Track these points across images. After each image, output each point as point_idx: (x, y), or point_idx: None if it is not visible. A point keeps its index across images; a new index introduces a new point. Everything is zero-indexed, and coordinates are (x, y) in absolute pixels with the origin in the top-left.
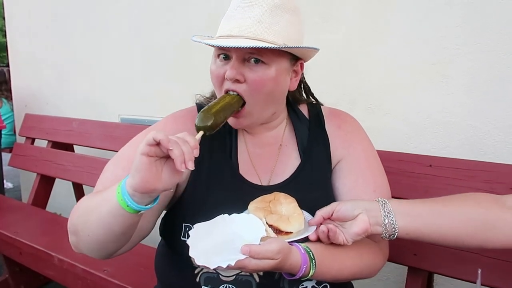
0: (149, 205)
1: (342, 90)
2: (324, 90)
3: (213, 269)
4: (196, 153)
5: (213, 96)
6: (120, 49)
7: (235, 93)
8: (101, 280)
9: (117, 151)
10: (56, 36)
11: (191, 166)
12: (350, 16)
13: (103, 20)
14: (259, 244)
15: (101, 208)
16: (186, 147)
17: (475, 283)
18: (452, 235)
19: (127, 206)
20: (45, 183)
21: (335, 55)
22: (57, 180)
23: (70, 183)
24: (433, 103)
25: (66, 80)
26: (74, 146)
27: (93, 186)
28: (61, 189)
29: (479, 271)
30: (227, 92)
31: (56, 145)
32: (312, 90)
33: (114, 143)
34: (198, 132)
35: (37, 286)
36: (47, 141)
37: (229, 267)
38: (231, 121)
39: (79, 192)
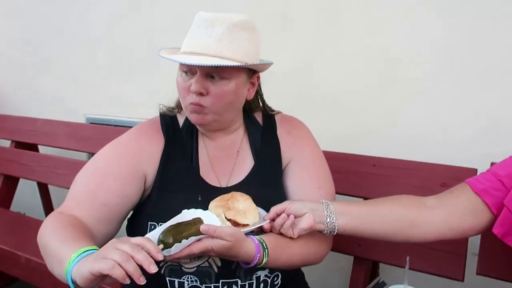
0: None
1: (299, 94)
2: (282, 94)
3: (167, 256)
4: (160, 257)
5: (177, 106)
6: (85, 48)
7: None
8: None
9: (82, 151)
10: (18, 33)
11: (154, 269)
12: (307, 22)
13: (68, 18)
14: None
15: (52, 264)
16: (142, 255)
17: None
18: (381, 232)
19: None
20: (9, 183)
21: (292, 59)
22: (20, 179)
23: (34, 182)
24: (383, 106)
25: (29, 78)
26: (39, 146)
27: (59, 186)
28: (25, 189)
29: (407, 258)
30: (191, 104)
31: (19, 145)
32: (271, 93)
33: (80, 143)
34: (159, 244)
35: (2, 286)
36: (10, 141)
37: (183, 249)
38: (193, 118)
39: (44, 192)
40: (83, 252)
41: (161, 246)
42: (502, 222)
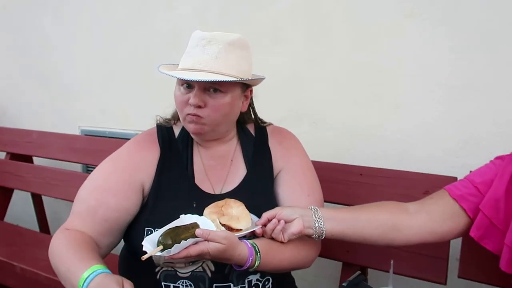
0: None
1: (289, 107)
2: (274, 107)
3: (166, 257)
4: None
5: (173, 117)
6: (80, 61)
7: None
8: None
9: (77, 163)
10: (13, 47)
11: None
12: (297, 39)
13: (63, 32)
14: None
15: (64, 281)
16: None
17: (402, 275)
18: (367, 236)
19: None
20: (4, 195)
21: (283, 75)
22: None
23: (27, 193)
24: (370, 119)
25: (24, 91)
26: (34, 158)
27: (54, 197)
28: (18, 200)
29: (392, 262)
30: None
31: (14, 156)
32: (263, 107)
33: (75, 154)
34: (158, 245)
35: None
36: (5, 153)
37: (181, 250)
38: (191, 127)
39: (38, 203)
40: (91, 273)
41: (161, 247)
42: (478, 225)
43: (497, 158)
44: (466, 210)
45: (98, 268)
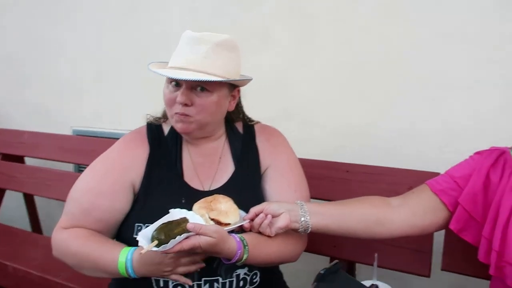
0: None
1: (278, 106)
2: (263, 106)
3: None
4: None
5: (163, 116)
6: (72, 61)
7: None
8: (57, 285)
9: (69, 163)
10: (4, 46)
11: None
12: (285, 40)
13: (55, 32)
14: None
15: (97, 266)
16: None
17: (387, 268)
18: (351, 229)
19: (128, 275)
20: None
21: (273, 75)
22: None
23: (19, 194)
24: (356, 118)
25: (16, 91)
26: (26, 158)
27: (46, 197)
28: (10, 200)
29: (376, 255)
30: (176, 114)
31: (6, 157)
32: (253, 106)
33: (67, 154)
34: (152, 240)
35: None
36: None
37: (174, 245)
38: (179, 126)
39: (29, 203)
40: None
41: (156, 242)
42: (458, 218)
43: (476, 153)
44: (446, 204)
45: (128, 248)
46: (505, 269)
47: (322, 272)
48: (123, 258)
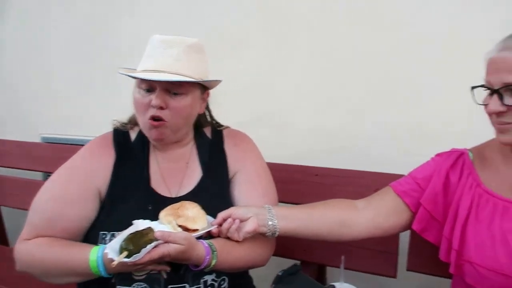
0: None
1: (251, 111)
2: (236, 111)
3: (129, 263)
4: None
5: (130, 121)
6: (41, 67)
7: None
8: None
9: (38, 171)
10: None
11: None
12: (259, 45)
13: (24, 37)
14: None
15: (66, 269)
16: None
17: (355, 270)
18: (318, 232)
19: (100, 273)
20: None
21: (245, 79)
22: None
23: None
24: (329, 122)
25: None
26: None
27: (12, 207)
28: None
29: (342, 258)
30: (152, 119)
31: None
32: (225, 111)
33: (35, 162)
34: (121, 252)
35: None
36: None
37: (144, 255)
38: (153, 133)
39: None
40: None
41: (125, 253)
42: (420, 219)
43: (437, 155)
44: (409, 205)
45: (98, 247)
46: (464, 267)
47: (280, 274)
48: (94, 257)
